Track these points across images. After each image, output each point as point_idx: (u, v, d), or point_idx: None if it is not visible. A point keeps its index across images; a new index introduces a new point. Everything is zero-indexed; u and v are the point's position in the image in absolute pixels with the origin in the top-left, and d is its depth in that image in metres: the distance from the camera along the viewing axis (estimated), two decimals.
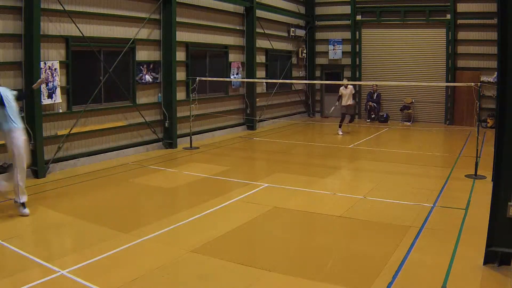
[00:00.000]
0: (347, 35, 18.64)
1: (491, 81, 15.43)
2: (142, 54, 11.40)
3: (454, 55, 16.61)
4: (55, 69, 9.11)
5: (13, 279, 4.48)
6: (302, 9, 19.10)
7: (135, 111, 11.18)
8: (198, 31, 13.27)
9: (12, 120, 6.37)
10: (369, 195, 7.58)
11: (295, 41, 18.74)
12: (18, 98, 6.68)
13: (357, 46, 18.53)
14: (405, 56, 17.64)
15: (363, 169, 10.19)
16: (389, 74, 17.66)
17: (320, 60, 19.71)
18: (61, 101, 9.34)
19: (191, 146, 12.08)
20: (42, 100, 8.83)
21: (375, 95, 17.86)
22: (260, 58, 16.43)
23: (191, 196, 7.98)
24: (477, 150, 9.07)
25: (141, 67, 11.32)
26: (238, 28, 15.16)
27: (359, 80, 18.15)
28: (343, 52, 18.92)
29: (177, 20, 11.93)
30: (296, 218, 6.65)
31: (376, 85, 17.59)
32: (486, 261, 4.78)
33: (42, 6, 8.63)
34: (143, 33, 11.30)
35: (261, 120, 16.27)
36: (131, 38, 10.88)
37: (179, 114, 12.18)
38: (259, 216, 6.60)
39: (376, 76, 18.00)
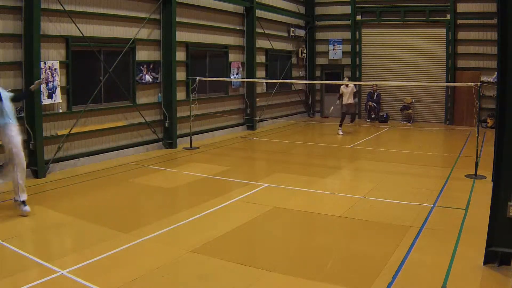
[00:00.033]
0: (347, 35, 18.64)
1: (491, 81, 15.43)
2: (142, 54, 11.40)
3: (454, 55, 16.61)
4: (55, 69, 9.11)
5: (13, 279, 4.48)
6: (302, 9, 19.10)
7: (135, 111, 11.18)
8: (198, 31, 13.27)
9: (8, 116, 6.38)
10: (369, 195, 7.58)
11: (295, 41, 18.74)
12: (14, 100, 6.67)
13: (357, 46, 18.53)
14: (405, 56, 17.64)
15: (363, 169, 10.19)
16: (389, 74, 17.65)
17: (320, 60, 19.71)
18: (61, 101, 9.34)
19: (191, 146, 12.08)
20: (42, 100, 8.83)
21: (375, 95, 17.86)
22: (260, 58, 16.43)
23: (191, 196, 7.98)
24: (477, 150, 9.07)
25: (141, 67, 11.33)
26: (238, 28, 15.16)
27: (359, 80, 18.14)
28: (343, 52, 18.92)
29: (177, 20, 11.93)
30: (296, 218, 6.65)
31: (376, 85, 17.59)
32: (486, 261, 4.78)
33: (42, 6, 8.63)
34: (143, 33, 11.30)
35: (261, 120, 16.27)
36: (131, 38, 10.88)
37: (179, 114, 12.18)
38: (259, 216, 6.60)
39: (376, 76, 17.99)
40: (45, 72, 8.87)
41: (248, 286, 4.45)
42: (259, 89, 16.25)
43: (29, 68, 8.46)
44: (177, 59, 12.11)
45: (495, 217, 4.73)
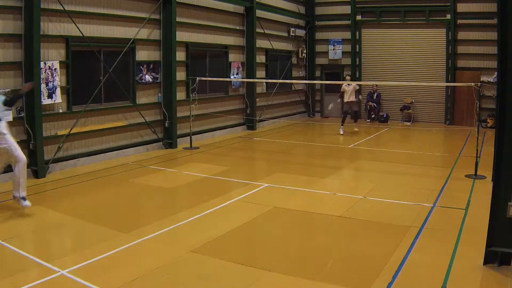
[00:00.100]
0: (347, 35, 18.64)
1: (491, 81, 15.42)
2: (142, 54, 11.40)
3: (454, 55, 16.61)
4: (55, 69, 9.11)
5: (13, 279, 4.49)
6: (302, 9, 19.10)
7: (135, 111, 11.18)
8: (198, 31, 13.27)
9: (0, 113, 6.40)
10: (369, 195, 7.58)
11: (295, 41, 18.74)
12: (6, 104, 6.65)
13: (357, 46, 18.53)
14: (405, 56, 17.64)
15: (363, 169, 10.19)
16: (389, 74, 17.65)
17: (320, 60, 19.70)
18: (61, 101, 9.34)
19: (191, 146, 12.08)
20: (42, 100, 8.83)
21: (375, 95, 17.86)
22: (260, 58, 16.42)
23: (191, 196, 7.98)
24: (477, 150, 9.07)
25: (141, 67, 11.32)
26: (238, 28, 15.16)
27: (359, 80, 18.11)
28: (343, 52, 18.91)
29: (177, 20, 11.93)
30: (296, 218, 6.65)
31: (376, 85, 17.59)
32: (486, 261, 4.78)
33: (42, 6, 8.63)
34: (143, 33, 11.30)
35: (261, 120, 16.27)
36: (131, 38, 10.88)
37: (179, 114, 12.18)
38: (259, 216, 6.60)
39: (376, 76, 17.99)
40: (45, 72, 8.87)
41: (248, 286, 4.45)
42: (259, 89, 16.25)
43: (29, 68, 8.46)
44: (177, 59, 12.11)
45: (495, 217, 4.72)
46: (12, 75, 8.43)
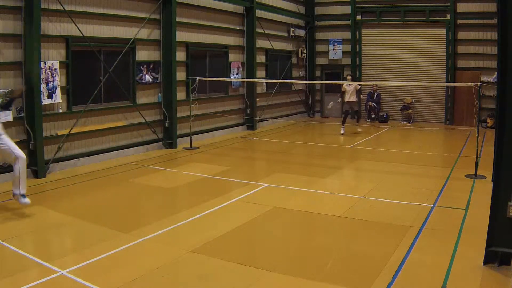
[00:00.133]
0: (347, 35, 18.64)
1: (491, 81, 15.42)
2: (142, 54, 11.40)
3: (454, 55, 16.61)
4: (55, 69, 9.11)
5: (13, 279, 4.48)
6: (302, 9, 19.10)
7: (135, 111, 11.18)
8: (198, 31, 13.27)
9: None
10: (369, 195, 7.58)
11: (295, 41, 18.74)
12: (1, 107, 6.65)
13: (357, 46, 18.53)
14: (405, 56, 17.64)
15: (363, 169, 10.19)
16: (389, 74, 17.65)
17: (320, 60, 19.70)
18: (61, 101, 9.34)
19: (191, 146, 12.08)
20: (42, 100, 8.83)
21: (375, 95, 17.86)
22: (260, 58, 16.42)
23: (191, 196, 7.98)
24: (477, 150, 9.07)
25: (141, 67, 11.32)
26: (238, 28, 15.16)
27: (359, 80, 18.12)
28: (343, 52, 18.91)
29: (177, 20, 11.93)
30: (296, 218, 6.65)
31: (376, 85, 17.59)
32: (486, 261, 4.78)
33: (42, 6, 8.63)
34: (143, 33, 11.30)
35: (261, 120, 16.27)
36: (131, 38, 10.88)
37: (179, 114, 12.18)
38: (259, 216, 6.60)
39: (376, 76, 17.99)
40: (45, 72, 8.87)
41: (248, 286, 4.45)
42: (259, 89, 16.25)
43: (29, 68, 8.46)
44: (177, 59, 12.11)
45: (495, 217, 4.72)
46: (12, 75, 8.43)
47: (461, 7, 16.32)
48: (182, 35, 12.48)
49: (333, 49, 19.07)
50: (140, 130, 11.42)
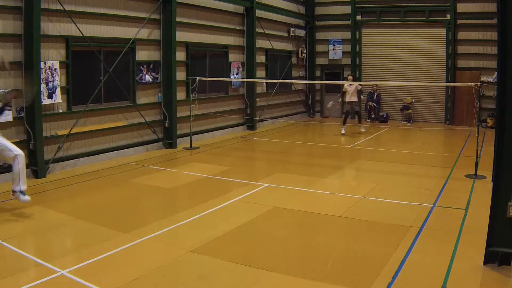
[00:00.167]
0: (347, 35, 18.64)
1: (491, 81, 15.43)
2: (142, 54, 11.40)
3: (454, 55, 16.61)
4: (55, 69, 9.11)
5: (13, 279, 4.48)
6: (302, 9, 19.10)
7: (135, 111, 11.18)
8: (198, 31, 13.27)
9: None
10: (369, 195, 7.58)
11: (295, 41, 18.74)
12: None
13: (357, 46, 18.53)
14: (405, 56, 17.64)
15: (363, 169, 10.19)
16: (389, 74, 17.66)
17: (320, 60, 19.71)
18: (61, 101, 9.34)
19: (191, 146, 12.08)
20: (42, 100, 8.83)
21: (375, 95, 17.86)
22: (260, 58, 16.42)
23: (191, 196, 7.98)
24: (477, 150, 9.07)
25: (141, 67, 11.32)
26: (238, 28, 15.16)
27: (359, 80, 18.11)
28: (343, 52, 18.91)
29: (177, 20, 11.93)
30: (296, 218, 6.65)
31: (376, 85, 17.59)
32: (486, 261, 4.78)
33: (42, 6, 8.63)
34: (143, 33, 11.30)
35: (261, 120, 16.27)
36: (131, 38, 10.88)
37: (179, 114, 12.18)
38: (259, 216, 6.60)
39: (376, 76, 17.99)
40: (45, 72, 8.87)
41: (248, 286, 4.45)
42: (259, 89, 16.25)
43: (29, 68, 8.46)
44: (177, 59, 12.11)
45: (495, 217, 4.72)
46: (12, 75, 8.42)
47: (461, 7, 16.33)
48: (182, 35, 12.48)
49: (333, 49, 19.07)
50: (140, 130, 11.42)
